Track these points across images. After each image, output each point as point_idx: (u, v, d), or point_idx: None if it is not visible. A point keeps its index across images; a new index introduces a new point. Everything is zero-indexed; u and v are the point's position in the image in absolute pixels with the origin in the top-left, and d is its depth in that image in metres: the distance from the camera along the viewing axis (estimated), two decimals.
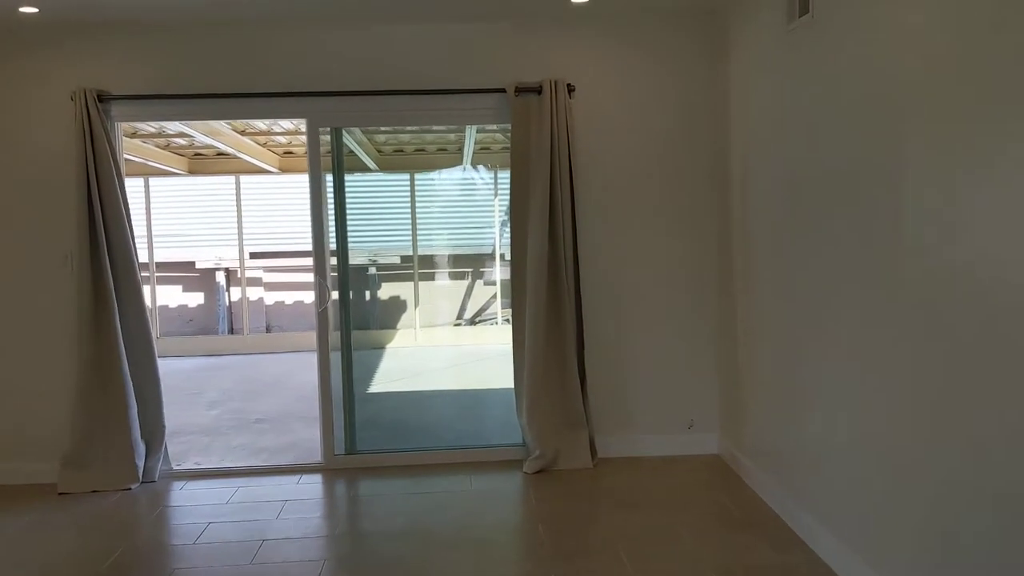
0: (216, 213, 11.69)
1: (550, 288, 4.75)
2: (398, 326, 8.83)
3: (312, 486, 4.72)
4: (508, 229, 4.91)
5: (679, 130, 4.89)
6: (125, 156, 4.99)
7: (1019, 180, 2.21)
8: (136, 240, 4.76)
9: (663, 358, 5.01)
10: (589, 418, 4.87)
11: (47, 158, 4.69)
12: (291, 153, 10.25)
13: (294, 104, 4.81)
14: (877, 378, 3.01)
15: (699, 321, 4.99)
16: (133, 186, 10.18)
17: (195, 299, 12.22)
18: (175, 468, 5.00)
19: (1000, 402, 2.32)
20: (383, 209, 8.20)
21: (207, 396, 7.80)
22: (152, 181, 10.61)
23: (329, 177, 5.06)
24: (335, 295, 5.11)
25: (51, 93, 4.65)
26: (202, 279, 12.14)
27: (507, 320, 5.18)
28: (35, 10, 4.27)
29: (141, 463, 4.74)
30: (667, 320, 4.99)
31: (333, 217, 5.08)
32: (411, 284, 8.59)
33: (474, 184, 8.36)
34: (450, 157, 8.26)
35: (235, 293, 11.86)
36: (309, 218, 4.92)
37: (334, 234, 5.08)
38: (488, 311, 8.98)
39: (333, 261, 5.08)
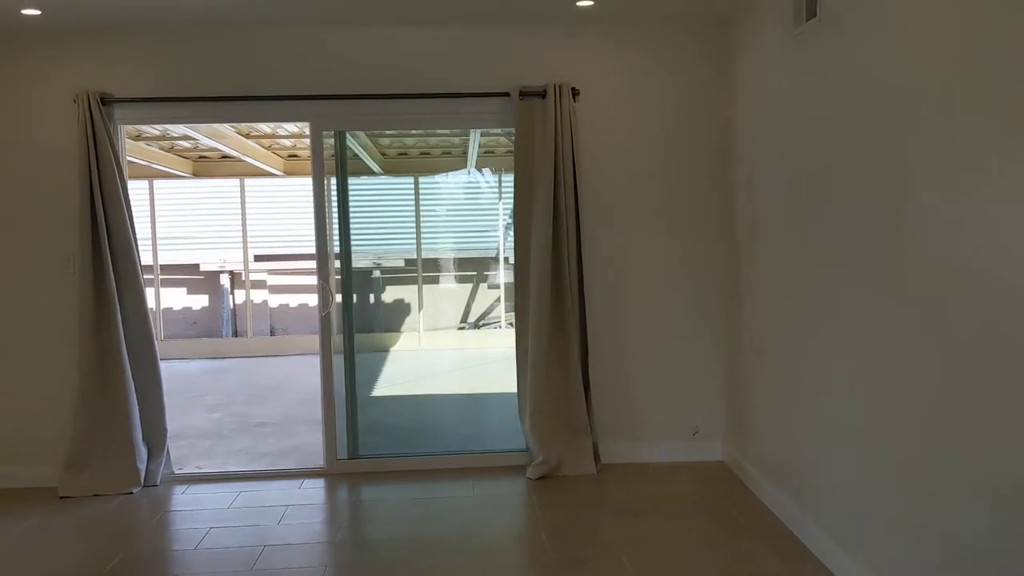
0: (221, 216, 11.69)
1: (554, 292, 4.73)
2: (402, 329, 8.80)
3: (314, 491, 4.70)
4: (512, 233, 4.88)
5: (683, 134, 4.86)
6: (129, 158, 4.99)
7: None
8: (141, 243, 4.75)
9: (667, 363, 4.98)
10: (593, 424, 4.84)
11: (49, 161, 4.68)
12: (296, 156, 10.25)
13: (297, 107, 4.80)
14: (885, 385, 2.98)
15: (704, 326, 4.96)
16: (138, 188, 10.20)
17: (199, 302, 12.22)
18: (177, 472, 4.98)
19: (1009, 406, 2.29)
20: (387, 212, 8.19)
21: (210, 399, 7.78)
22: (156, 183, 10.60)
23: (333, 180, 5.04)
24: (338, 298, 5.10)
25: (54, 95, 4.64)
26: (206, 282, 12.14)
27: (511, 324, 5.15)
28: (37, 12, 4.26)
29: (143, 467, 4.72)
30: (672, 325, 4.96)
31: (337, 221, 5.06)
32: (415, 287, 8.57)
33: (478, 188, 8.34)
34: (454, 160, 8.25)
35: (239, 296, 11.86)
36: (313, 221, 4.90)
37: (337, 238, 5.06)
38: (492, 315, 8.95)
39: (337, 264, 5.07)
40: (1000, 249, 2.31)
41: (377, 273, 8.50)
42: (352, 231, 5.15)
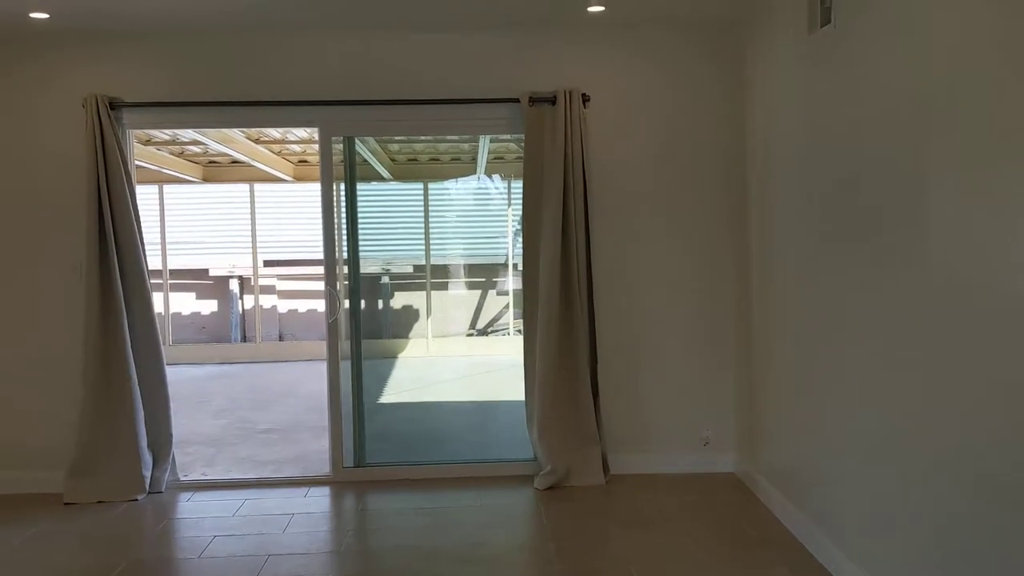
0: (230, 221, 11.68)
1: (562, 299, 4.68)
2: (410, 336, 8.79)
3: (320, 499, 4.66)
4: (521, 239, 4.84)
5: (694, 140, 4.81)
6: (139, 163, 4.98)
7: None
8: (150, 247, 4.73)
9: (678, 372, 4.92)
10: (602, 434, 4.78)
11: (57, 166, 4.67)
12: (305, 162, 10.25)
13: (306, 113, 4.77)
14: (902, 395, 2.92)
15: (715, 335, 4.90)
16: (147, 193, 10.22)
17: (208, 306, 12.21)
18: (182, 479, 4.95)
19: None
20: (396, 218, 8.18)
21: (216, 405, 7.76)
22: (166, 188, 10.62)
23: (342, 186, 5.01)
24: (347, 304, 5.06)
25: (62, 100, 4.63)
26: (216, 287, 12.13)
27: (519, 331, 5.11)
28: (46, 15, 4.25)
29: (148, 473, 4.70)
30: (682, 334, 4.91)
31: (346, 227, 5.03)
32: (423, 293, 8.55)
33: (487, 194, 8.32)
34: (464, 167, 8.23)
35: (248, 301, 11.85)
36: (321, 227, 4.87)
37: (346, 244, 5.03)
38: (500, 322, 8.92)
39: (345, 270, 5.04)
40: (1018, 254, 2.26)
41: (386, 279, 8.49)
42: (361, 237, 5.12)
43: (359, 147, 5.44)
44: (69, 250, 4.68)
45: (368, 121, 4.87)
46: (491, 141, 7.01)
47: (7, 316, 4.75)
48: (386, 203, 8.23)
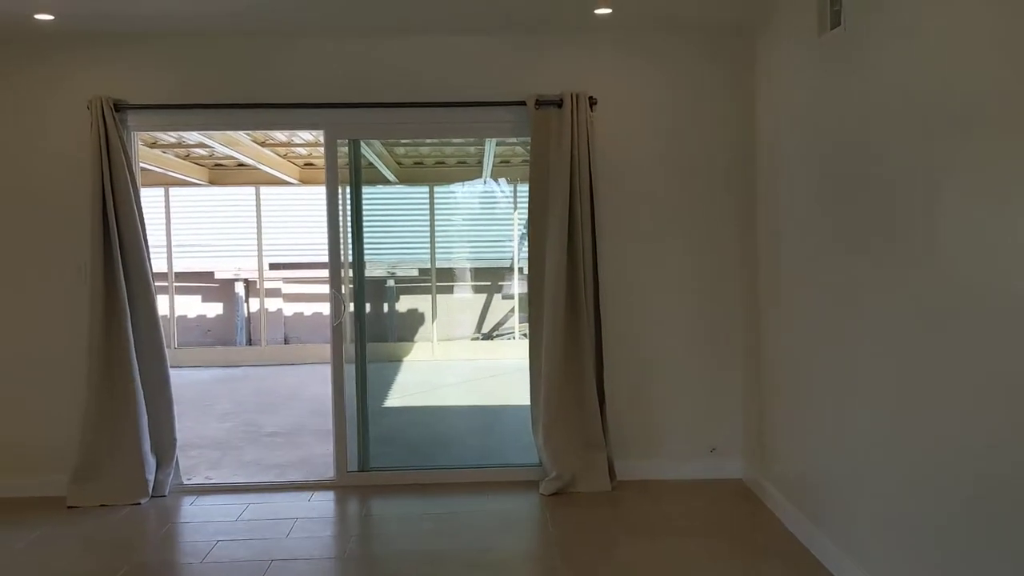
0: (236, 224, 11.69)
1: (568, 304, 4.64)
2: (415, 339, 8.76)
3: (324, 504, 4.63)
4: (527, 243, 4.81)
5: (702, 144, 4.78)
6: (145, 166, 4.96)
7: None
8: (156, 250, 4.72)
9: (685, 378, 4.88)
10: (608, 439, 4.74)
11: (62, 167, 4.66)
12: (311, 165, 10.24)
13: (311, 115, 4.76)
14: (915, 401, 2.88)
15: (723, 340, 4.86)
16: (153, 196, 10.22)
17: (214, 310, 12.21)
18: (186, 482, 4.92)
19: None
20: (402, 222, 8.16)
21: (221, 408, 7.75)
22: (172, 191, 10.62)
23: (347, 189, 4.99)
24: (352, 308, 5.04)
25: (67, 101, 4.62)
26: (221, 290, 12.13)
27: (524, 335, 5.08)
28: (51, 17, 4.24)
29: (151, 477, 4.67)
30: (689, 338, 4.87)
31: (351, 230, 5.01)
32: (429, 297, 8.52)
33: (493, 197, 8.29)
34: (470, 170, 8.20)
35: (254, 304, 11.85)
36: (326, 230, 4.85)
37: (351, 247, 5.01)
38: (506, 326, 8.89)
39: (350, 273, 5.02)
40: None
41: (391, 282, 8.47)
42: (366, 240, 5.10)
43: (365, 150, 5.41)
44: (73, 252, 4.67)
45: (374, 124, 4.85)
46: (497, 145, 6.99)
47: (11, 318, 4.73)
48: (392, 206, 8.22)
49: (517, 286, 8.40)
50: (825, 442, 3.67)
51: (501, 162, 7.91)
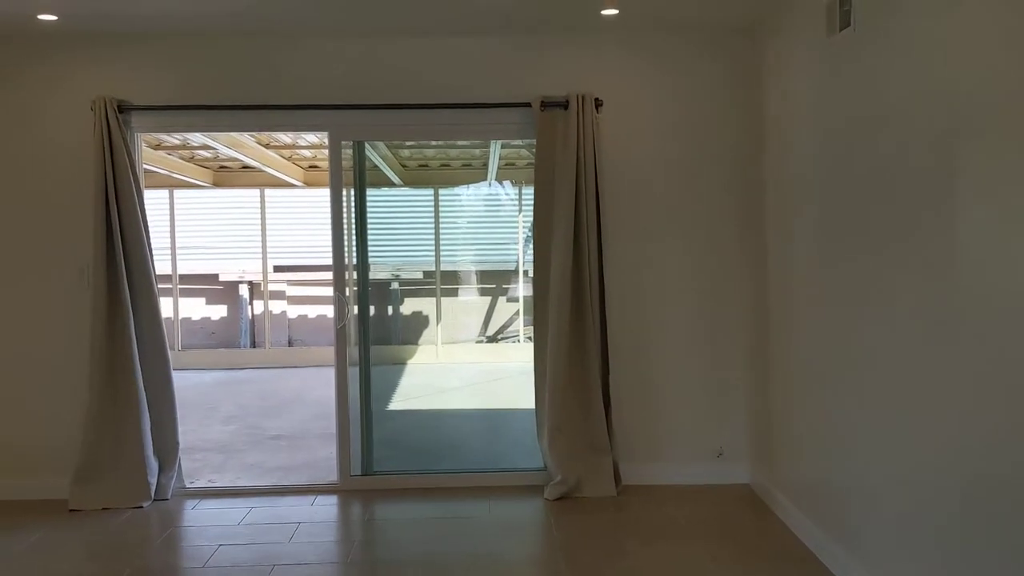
0: (240, 226, 11.68)
1: (574, 307, 4.61)
2: (420, 342, 8.73)
3: (327, 508, 4.59)
4: (532, 246, 4.78)
5: (709, 146, 4.74)
6: (150, 168, 4.94)
7: None
8: (160, 252, 4.69)
9: (691, 381, 4.83)
10: (613, 443, 4.70)
11: (64, 169, 4.63)
12: (316, 167, 10.23)
13: (315, 116, 4.73)
14: (929, 403, 2.84)
15: (731, 344, 4.82)
16: (158, 198, 10.20)
17: (218, 312, 12.20)
18: (188, 486, 4.89)
19: None
20: (407, 224, 8.14)
21: (225, 411, 7.72)
22: (177, 193, 10.61)
23: (352, 191, 4.96)
24: (355, 310, 5.01)
25: (70, 102, 4.59)
26: (225, 292, 12.12)
27: (529, 338, 5.05)
28: (54, 17, 4.22)
29: (154, 480, 4.64)
30: (696, 341, 4.82)
31: (355, 232, 4.98)
32: (433, 300, 8.50)
33: (498, 200, 8.27)
34: (475, 172, 8.18)
35: (258, 306, 11.83)
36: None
37: (355, 249, 4.98)
38: (510, 328, 8.85)
39: (355, 276, 4.99)
40: None
41: (396, 285, 8.44)
42: (371, 243, 5.07)
43: (369, 152, 5.39)
44: (76, 253, 4.64)
45: (378, 125, 4.82)
46: (502, 147, 6.96)
47: (12, 318, 4.71)
48: (396, 209, 8.19)
49: (522, 289, 8.37)
50: (833, 446, 3.62)
51: (506, 164, 7.88)
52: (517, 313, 8.73)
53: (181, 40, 4.63)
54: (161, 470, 4.70)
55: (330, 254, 4.82)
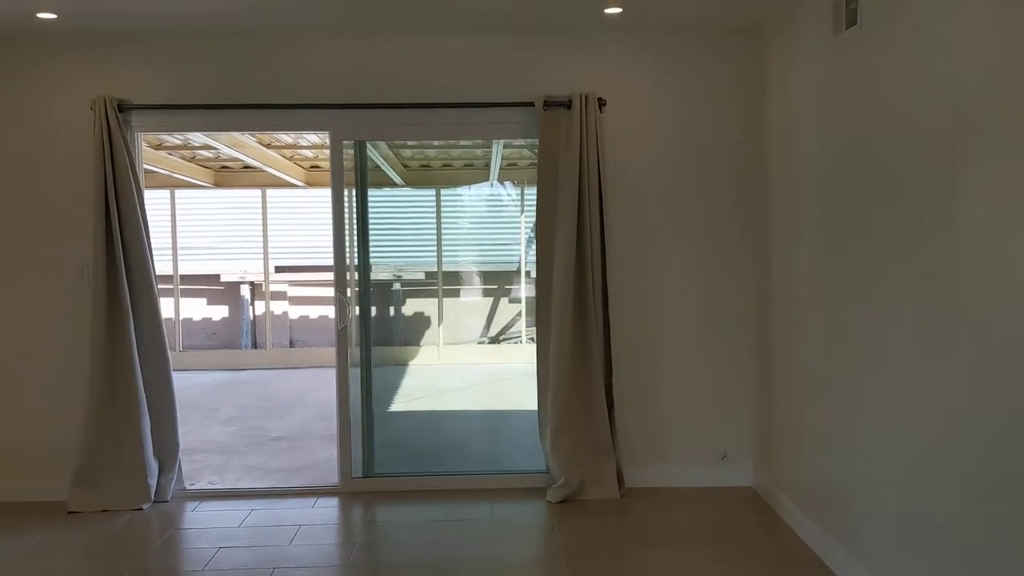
0: (242, 226, 11.66)
1: (576, 308, 4.57)
2: (421, 343, 8.70)
3: (328, 510, 4.57)
4: (534, 246, 4.75)
5: (713, 146, 4.71)
6: (151, 168, 4.91)
7: None
8: (161, 252, 4.66)
9: (695, 383, 4.80)
10: (616, 445, 4.67)
11: (64, 168, 4.61)
12: (318, 167, 10.20)
13: (317, 116, 4.70)
14: (936, 405, 2.81)
15: (734, 345, 4.78)
16: (159, 198, 10.18)
17: (219, 312, 12.18)
18: (188, 488, 4.86)
19: None
20: (408, 224, 8.12)
21: (225, 412, 7.69)
22: (178, 193, 10.58)
23: (354, 192, 4.94)
24: (357, 311, 4.98)
25: (70, 102, 4.57)
26: (227, 292, 12.10)
27: (531, 339, 5.02)
28: (53, 16, 4.19)
29: (153, 482, 4.61)
30: (700, 344, 4.79)
31: (357, 232, 4.95)
32: (435, 300, 8.47)
33: (500, 200, 8.24)
34: (477, 173, 8.15)
35: (259, 307, 11.81)
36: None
37: (357, 250, 4.95)
38: (512, 329, 8.82)
39: (356, 276, 4.96)
40: None
41: (397, 286, 8.41)
42: (372, 243, 5.04)
43: (371, 152, 5.36)
44: (76, 253, 4.61)
45: (379, 125, 4.80)
46: (504, 147, 6.93)
47: (13, 319, 4.68)
48: (398, 209, 8.17)
49: (524, 289, 8.34)
50: (834, 446, 3.59)
51: (508, 165, 7.85)
52: (519, 314, 8.70)
53: (181, 39, 4.61)
54: (161, 472, 4.67)
55: (331, 254, 4.79)
